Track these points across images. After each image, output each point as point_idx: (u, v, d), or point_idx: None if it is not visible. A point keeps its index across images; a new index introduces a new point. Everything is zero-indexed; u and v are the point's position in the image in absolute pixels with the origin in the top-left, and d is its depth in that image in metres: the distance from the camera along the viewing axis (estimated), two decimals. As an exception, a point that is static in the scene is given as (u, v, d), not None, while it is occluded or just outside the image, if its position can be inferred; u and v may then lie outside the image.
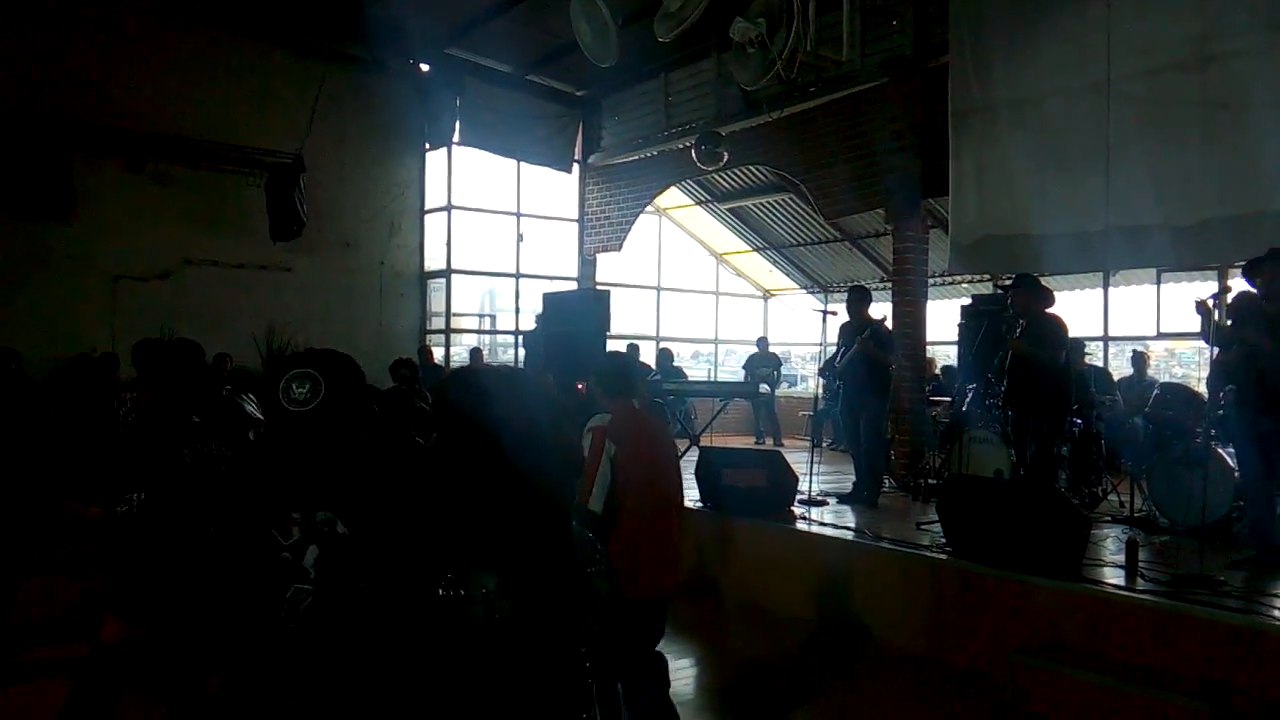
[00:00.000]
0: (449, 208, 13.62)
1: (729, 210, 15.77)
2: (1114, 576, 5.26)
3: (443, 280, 13.77)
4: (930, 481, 8.26)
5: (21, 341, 9.27)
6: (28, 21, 10.41)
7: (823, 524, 6.95)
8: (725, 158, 10.75)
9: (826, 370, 8.41)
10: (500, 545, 1.53)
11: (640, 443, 3.94)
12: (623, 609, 3.83)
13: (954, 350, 10.73)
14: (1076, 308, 11.90)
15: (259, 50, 11.91)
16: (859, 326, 7.86)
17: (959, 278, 13.13)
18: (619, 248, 14.08)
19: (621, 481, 3.80)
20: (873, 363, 7.73)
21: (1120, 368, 11.18)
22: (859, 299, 8.06)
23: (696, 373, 16.61)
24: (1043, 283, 7.34)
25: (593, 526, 3.65)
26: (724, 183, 14.85)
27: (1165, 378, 11.45)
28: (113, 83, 10.93)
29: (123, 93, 11.00)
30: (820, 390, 8.67)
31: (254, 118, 11.88)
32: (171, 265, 11.47)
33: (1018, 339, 6.89)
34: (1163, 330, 11.16)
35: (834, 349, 8.24)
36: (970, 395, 8.08)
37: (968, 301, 9.92)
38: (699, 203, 15.91)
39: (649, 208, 14.49)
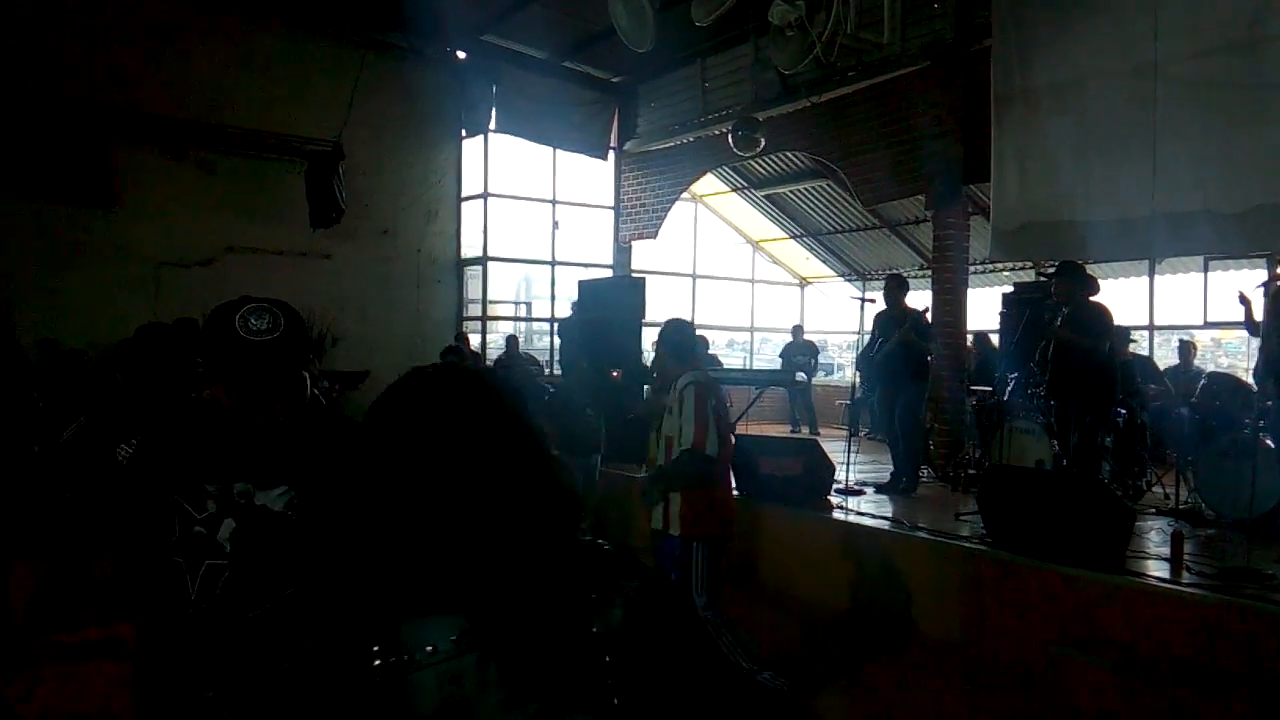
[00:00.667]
0: (485, 195, 13.66)
1: (765, 197, 15.68)
2: (1158, 569, 5.16)
3: (479, 267, 13.83)
4: (970, 472, 8.16)
5: (65, 328, 9.44)
6: (70, 11, 10.55)
7: (860, 513, 6.89)
8: (762, 143, 10.67)
9: (863, 361, 8.34)
10: (458, 575, 1.02)
11: (723, 402, 4.36)
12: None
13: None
14: (1121, 296, 11.74)
15: (298, 38, 12.00)
16: (897, 316, 7.78)
17: (1000, 266, 12.96)
18: (654, 235, 14.04)
19: (720, 433, 4.21)
20: (911, 351, 7.66)
21: (1166, 357, 10.98)
22: (897, 287, 7.98)
23: (732, 361, 16.58)
24: (1087, 270, 7.21)
25: (705, 469, 4.13)
26: (760, 169, 14.77)
27: (1211, 368, 11.24)
28: (154, 71, 11.07)
29: (164, 81, 11.13)
30: (857, 379, 8.59)
31: (293, 106, 11.97)
32: (214, 252, 11.60)
33: (1061, 327, 6.78)
34: (1210, 319, 10.94)
35: (869, 337, 8.17)
36: (1012, 384, 7.97)
37: (1009, 290, 9.78)
38: (735, 189, 15.83)
39: (685, 194, 14.43)
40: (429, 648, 1.00)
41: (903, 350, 7.63)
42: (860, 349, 8.48)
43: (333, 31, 12.13)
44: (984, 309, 11.32)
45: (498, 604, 1.02)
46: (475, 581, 1.02)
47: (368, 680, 1.00)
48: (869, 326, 8.18)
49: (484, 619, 1.02)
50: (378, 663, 1.00)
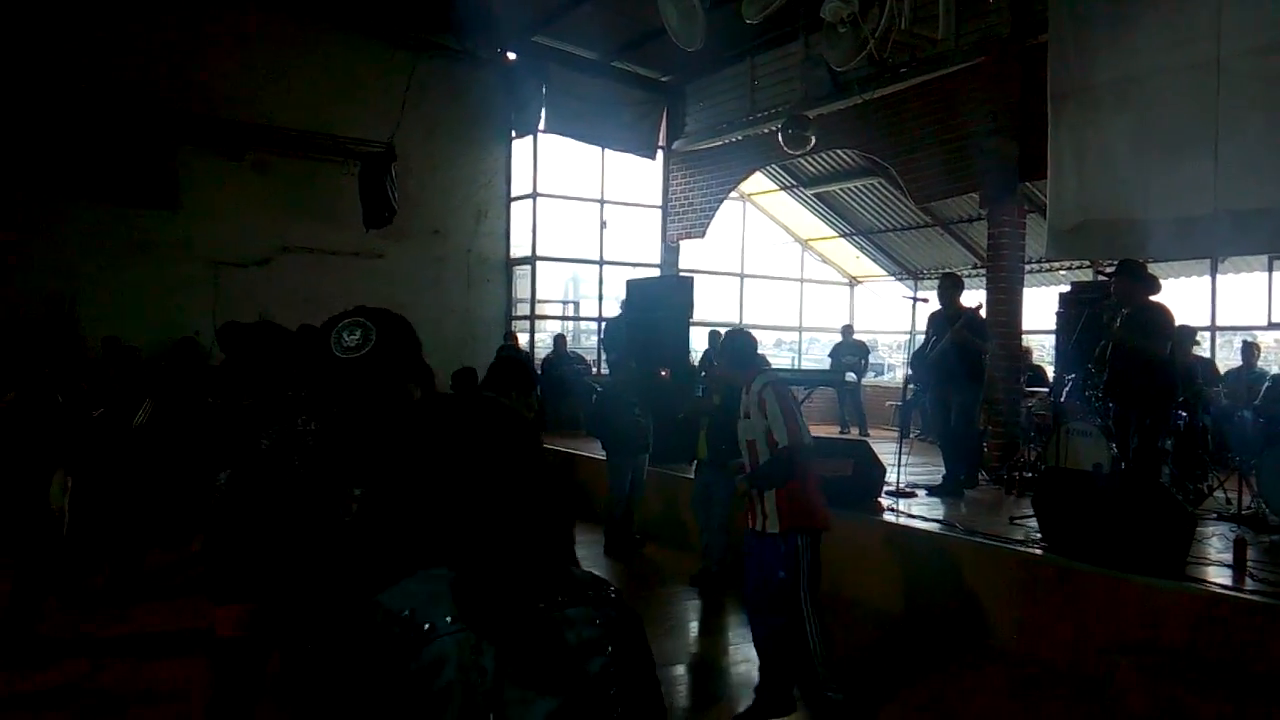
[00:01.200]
0: (534, 195, 13.74)
1: (815, 195, 15.56)
2: (1220, 576, 5.03)
3: (528, 267, 13.92)
4: (1025, 475, 8.02)
5: (126, 326, 9.67)
6: (133, 18, 10.80)
7: (911, 516, 6.81)
8: (812, 141, 10.58)
9: (916, 361, 8.23)
10: (451, 532, 1.17)
11: (796, 398, 4.36)
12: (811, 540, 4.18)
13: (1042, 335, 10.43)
14: (1183, 296, 11.48)
15: (352, 41, 12.18)
16: (951, 315, 7.66)
17: (1057, 265, 12.75)
18: (703, 234, 14.02)
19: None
20: (965, 349, 7.54)
21: (1228, 358, 10.71)
22: (951, 286, 7.86)
23: (780, 361, 16.47)
24: (1147, 269, 7.05)
25: (809, 458, 4.24)
26: (810, 167, 14.66)
27: (1275, 370, 10.94)
28: (214, 75, 11.30)
29: (223, 84, 11.37)
30: (908, 380, 8.48)
31: (347, 107, 12.16)
32: (270, 252, 11.82)
33: (1120, 328, 6.63)
34: (1274, 320, 10.67)
35: (922, 337, 8.06)
36: (1069, 386, 7.82)
37: (1066, 289, 9.60)
38: (784, 188, 15.74)
39: (733, 193, 14.38)
40: (448, 618, 1.06)
41: (957, 350, 7.51)
42: (911, 349, 8.37)
43: (386, 34, 12.30)
44: (1040, 309, 11.13)
45: (483, 558, 1.13)
46: (465, 538, 1.14)
47: (398, 676, 1.04)
48: (921, 326, 8.07)
49: (468, 570, 1.11)
50: (397, 630, 1.05)
